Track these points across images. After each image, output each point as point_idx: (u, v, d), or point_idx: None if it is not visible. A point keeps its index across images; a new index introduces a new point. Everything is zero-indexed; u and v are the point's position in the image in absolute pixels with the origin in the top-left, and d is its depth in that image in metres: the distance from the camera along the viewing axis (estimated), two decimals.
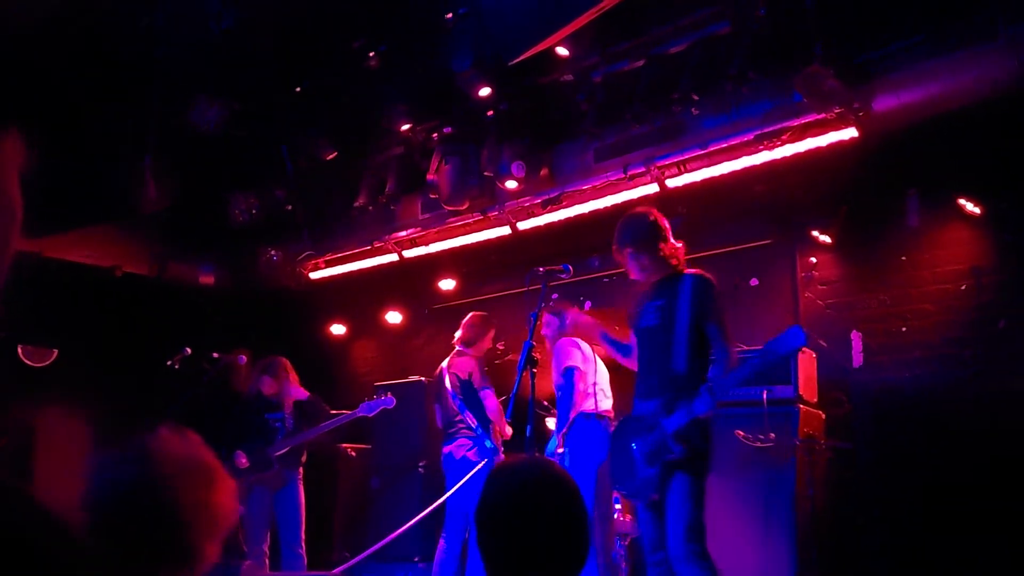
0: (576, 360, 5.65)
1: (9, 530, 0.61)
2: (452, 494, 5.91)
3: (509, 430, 6.00)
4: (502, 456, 5.99)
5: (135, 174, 6.40)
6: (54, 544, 0.64)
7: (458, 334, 6.30)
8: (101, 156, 6.26)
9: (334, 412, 6.48)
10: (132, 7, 5.51)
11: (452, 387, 6.08)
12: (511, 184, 6.21)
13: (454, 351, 6.28)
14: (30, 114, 0.73)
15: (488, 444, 5.89)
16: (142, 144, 6.42)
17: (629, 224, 4.15)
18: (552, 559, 1.85)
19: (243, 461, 6.11)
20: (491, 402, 5.92)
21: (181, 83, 6.33)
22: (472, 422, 5.94)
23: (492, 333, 6.35)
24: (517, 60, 4.19)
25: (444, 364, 6.28)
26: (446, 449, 6.06)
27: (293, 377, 6.38)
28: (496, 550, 1.86)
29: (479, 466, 5.80)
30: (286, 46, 6.18)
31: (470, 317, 6.33)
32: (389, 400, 6.40)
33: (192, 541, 1.60)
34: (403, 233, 7.37)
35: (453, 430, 6.04)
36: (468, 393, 6.01)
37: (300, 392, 6.36)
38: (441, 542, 6.03)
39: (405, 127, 6.84)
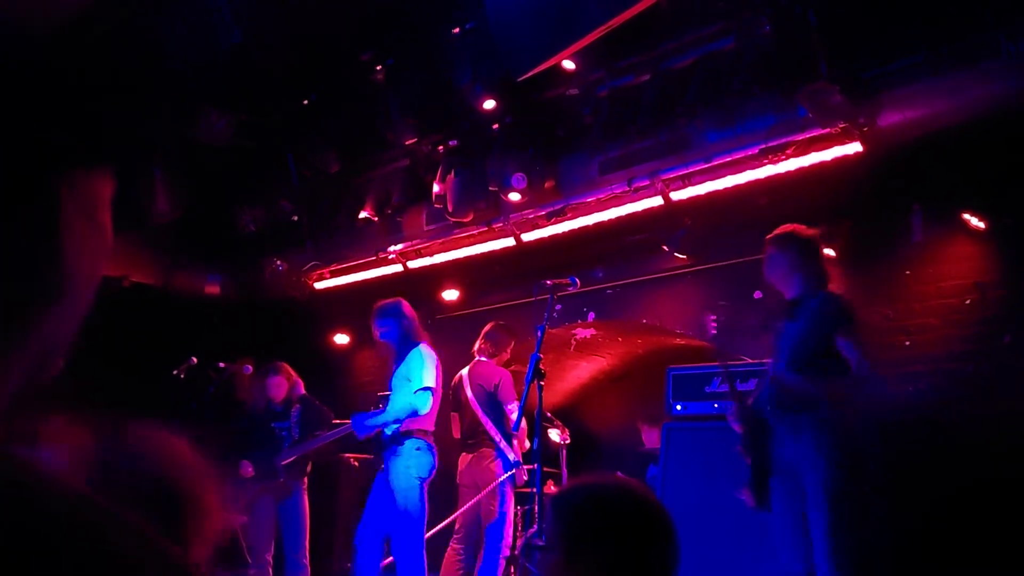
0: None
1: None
2: (471, 504, 5.88)
3: (528, 443, 5.99)
4: (524, 469, 5.98)
5: (144, 185, 6.44)
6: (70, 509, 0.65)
7: (478, 344, 6.29)
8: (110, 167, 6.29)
9: (337, 421, 6.50)
10: (142, 19, 5.56)
11: (475, 397, 6.05)
12: (514, 196, 6.24)
13: (475, 360, 6.27)
14: (125, 149, 0.77)
15: (511, 456, 5.88)
16: (151, 155, 6.46)
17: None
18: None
19: (249, 470, 6.13)
20: (515, 415, 5.89)
21: (190, 95, 6.38)
22: (494, 433, 5.90)
23: (513, 344, 6.32)
24: (525, 77, 4.23)
25: (464, 373, 6.25)
26: (466, 458, 6.03)
27: (297, 380, 6.47)
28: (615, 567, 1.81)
29: (502, 478, 5.78)
30: (294, 59, 6.23)
31: (491, 326, 6.29)
32: None
33: (183, 538, 1.60)
34: (407, 244, 7.40)
35: (474, 440, 6.00)
36: (492, 404, 5.97)
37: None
38: (451, 551, 6.02)
39: (411, 140, 6.88)
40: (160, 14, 5.42)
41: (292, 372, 6.52)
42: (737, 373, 5.46)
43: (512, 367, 7.19)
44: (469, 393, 6.08)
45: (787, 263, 4.07)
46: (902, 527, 5.44)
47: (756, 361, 5.11)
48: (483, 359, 6.25)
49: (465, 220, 6.77)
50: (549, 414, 6.24)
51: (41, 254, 0.71)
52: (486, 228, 6.90)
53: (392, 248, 7.43)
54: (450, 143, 6.76)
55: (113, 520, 0.66)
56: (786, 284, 4.10)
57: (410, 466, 5.26)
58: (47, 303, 0.72)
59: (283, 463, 6.15)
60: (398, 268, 7.59)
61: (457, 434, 6.22)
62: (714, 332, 5.39)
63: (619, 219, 6.30)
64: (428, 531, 6.11)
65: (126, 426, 1.68)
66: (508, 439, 5.93)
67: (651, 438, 6.99)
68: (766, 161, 5.44)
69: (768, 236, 4.22)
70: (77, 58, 0.79)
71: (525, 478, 6.08)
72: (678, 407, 5.64)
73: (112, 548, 0.63)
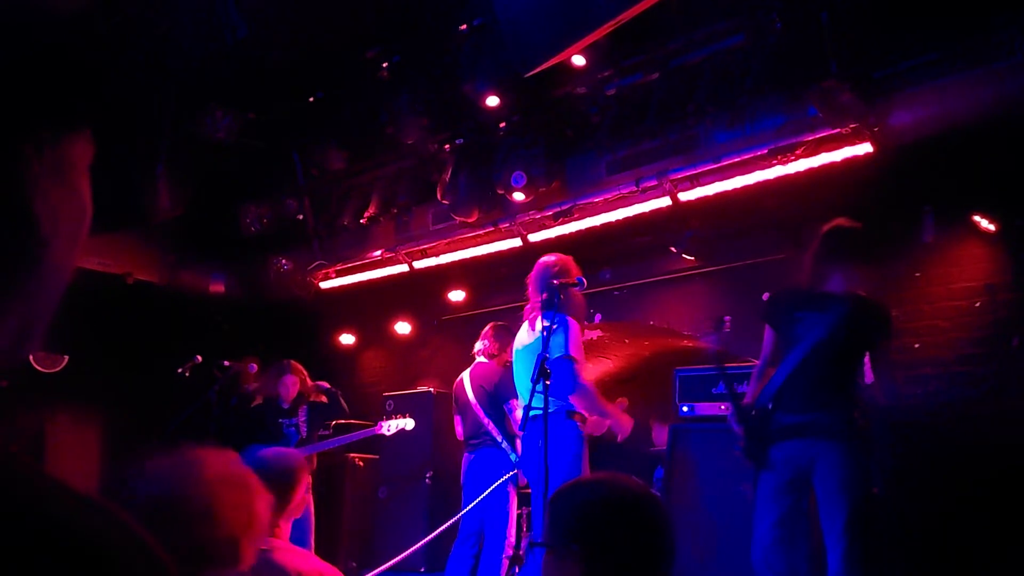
0: None
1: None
2: (474, 505, 5.85)
3: None
4: None
5: (148, 182, 6.42)
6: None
7: (479, 345, 6.25)
8: (114, 164, 6.29)
9: (345, 422, 6.49)
10: (147, 16, 5.54)
11: (476, 398, 6.02)
12: (517, 196, 6.20)
13: (476, 361, 6.24)
14: (98, 112, 0.74)
15: (513, 457, 5.84)
16: (155, 152, 6.44)
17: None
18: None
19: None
20: (516, 414, 5.86)
21: (195, 92, 6.36)
22: (496, 433, 5.87)
23: (512, 344, 6.29)
24: (533, 72, 4.20)
25: (465, 374, 6.23)
26: (469, 459, 6.00)
27: (314, 382, 6.48)
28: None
29: (504, 478, 5.75)
30: (299, 56, 6.20)
31: (490, 327, 6.26)
32: (408, 422, 6.44)
33: (230, 542, 1.74)
34: (413, 244, 7.38)
35: (477, 441, 5.97)
36: (493, 404, 5.94)
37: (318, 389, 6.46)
38: (455, 552, 5.98)
39: (417, 138, 6.85)
40: (166, 10, 5.40)
41: (303, 370, 6.50)
42: (735, 375, 5.44)
43: None
44: (470, 394, 6.06)
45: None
46: (911, 529, 5.40)
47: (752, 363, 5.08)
48: (484, 360, 6.21)
49: (470, 220, 6.73)
50: None
51: (10, 216, 0.67)
52: (492, 228, 6.87)
53: (398, 248, 7.40)
54: (457, 142, 6.73)
55: (112, 522, 0.63)
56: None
57: None
58: (23, 268, 0.69)
59: None
60: (404, 268, 7.56)
61: (460, 435, 6.20)
62: (727, 330, 5.38)
63: (626, 220, 6.26)
64: (431, 532, 6.09)
65: (147, 450, 1.80)
66: (510, 439, 5.89)
67: (661, 437, 6.96)
68: (775, 161, 5.40)
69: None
70: (74, 41, 0.76)
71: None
72: (685, 408, 5.60)
73: (106, 550, 0.61)
